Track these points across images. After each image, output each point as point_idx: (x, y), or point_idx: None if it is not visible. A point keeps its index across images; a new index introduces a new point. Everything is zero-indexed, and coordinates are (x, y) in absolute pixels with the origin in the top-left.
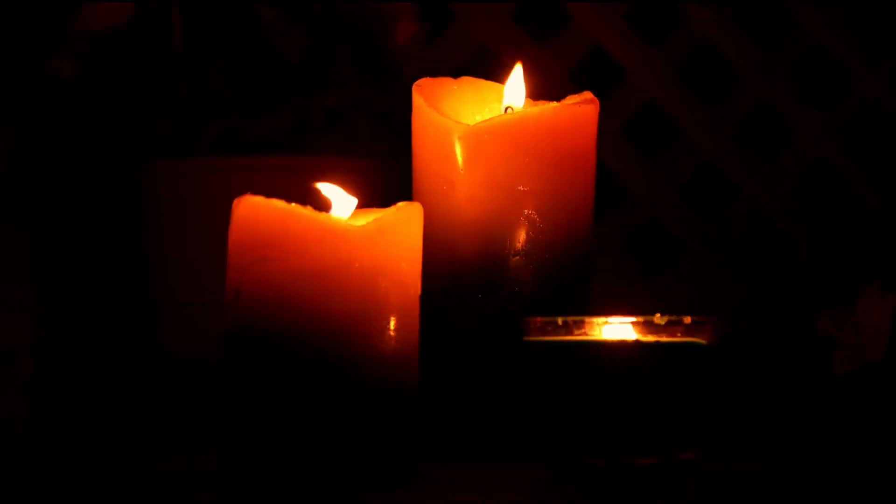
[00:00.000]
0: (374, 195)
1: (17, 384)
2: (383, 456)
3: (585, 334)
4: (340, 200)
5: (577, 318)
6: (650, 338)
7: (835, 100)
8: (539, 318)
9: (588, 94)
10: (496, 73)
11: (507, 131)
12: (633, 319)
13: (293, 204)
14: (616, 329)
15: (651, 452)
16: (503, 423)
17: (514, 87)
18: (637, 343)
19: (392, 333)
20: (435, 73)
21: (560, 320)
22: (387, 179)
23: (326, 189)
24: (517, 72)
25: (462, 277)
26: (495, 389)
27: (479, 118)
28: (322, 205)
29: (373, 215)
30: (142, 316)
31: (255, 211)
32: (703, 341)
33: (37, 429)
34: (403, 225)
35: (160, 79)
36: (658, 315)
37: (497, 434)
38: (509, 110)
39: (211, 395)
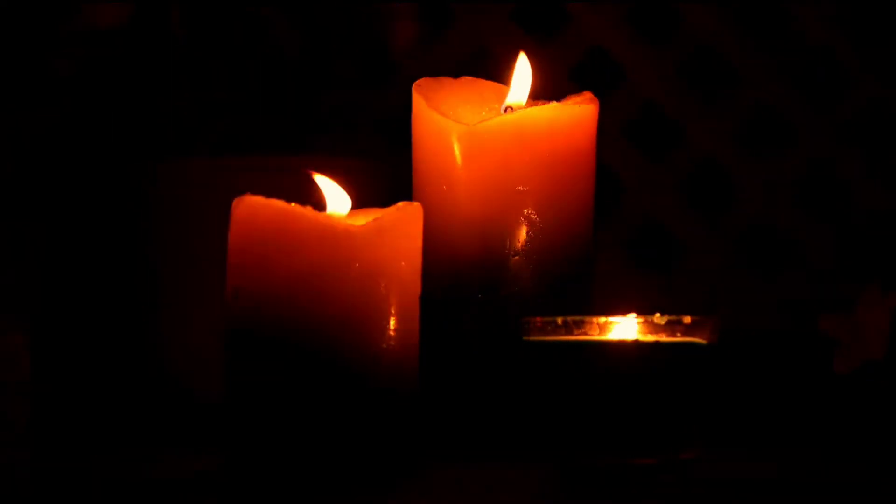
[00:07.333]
0: (374, 195)
1: (17, 384)
2: (383, 456)
3: (585, 334)
4: (335, 195)
5: (577, 318)
6: (650, 337)
7: (834, 99)
8: (539, 318)
9: (588, 94)
10: (496, 73)
11: (507, 131)
12: (633, 319)
13: (293, 204)
14: (616, 329)
15: (651, 452)
16: (503, 424)
17: (521, 77)
18: (637, 343)
19: (392, 333)
20: (435, 73)
21: (560, 320)
22: (387, 179)
23: (323, 182)
24: (522, 62)
25: (462, 277)
26: (495, 389)
27: (479, 118)
28: (320, 201)
29: (373, 215)
30: (141, 315)
31: (255, 211)
32: (702, 341)
33: (37, 429)
34: (403, 225)
35: (160, 79)
36: (658, 315)
37: (497, 434)
38: (509, 110)
39: (210, 394)
